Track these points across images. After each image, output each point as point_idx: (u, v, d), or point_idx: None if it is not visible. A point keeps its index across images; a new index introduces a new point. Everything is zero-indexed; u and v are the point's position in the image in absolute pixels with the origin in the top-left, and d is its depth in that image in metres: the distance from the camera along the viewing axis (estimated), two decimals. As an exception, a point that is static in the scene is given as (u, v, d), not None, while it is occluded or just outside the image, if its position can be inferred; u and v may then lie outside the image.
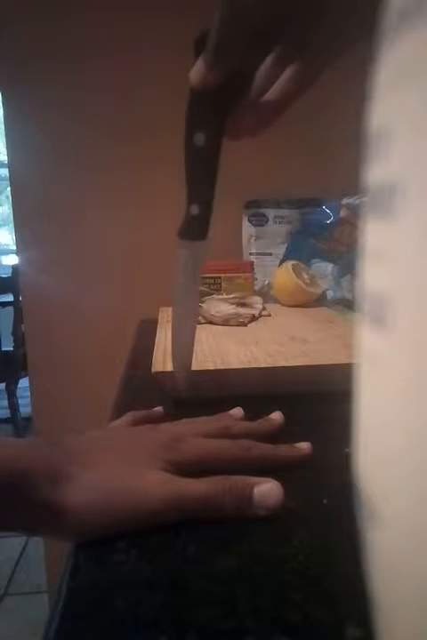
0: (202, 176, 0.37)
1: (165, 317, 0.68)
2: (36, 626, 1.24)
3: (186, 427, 0.34)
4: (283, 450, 0.32)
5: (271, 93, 0.33)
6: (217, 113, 0.35)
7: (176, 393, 0.42)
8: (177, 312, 0.42)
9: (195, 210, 0.38)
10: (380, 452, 0.11)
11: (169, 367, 0.44)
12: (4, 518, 0.26)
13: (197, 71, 0.32)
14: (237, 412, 0.38)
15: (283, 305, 0.77)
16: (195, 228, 0.38)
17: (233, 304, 0.67)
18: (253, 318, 0.65)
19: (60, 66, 0.93)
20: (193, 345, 0.42)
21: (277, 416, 0.37)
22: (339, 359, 0.44)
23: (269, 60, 0.33)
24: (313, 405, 0.40)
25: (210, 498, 0.26)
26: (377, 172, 0.10)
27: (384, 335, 0.10)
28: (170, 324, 0.63)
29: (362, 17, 0.28)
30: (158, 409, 0.39)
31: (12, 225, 1.02)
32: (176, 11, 0.90)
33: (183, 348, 0.42)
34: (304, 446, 0.33)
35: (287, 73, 0.33)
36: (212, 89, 0.33)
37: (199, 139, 0.35)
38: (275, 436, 0.35)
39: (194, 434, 0.32)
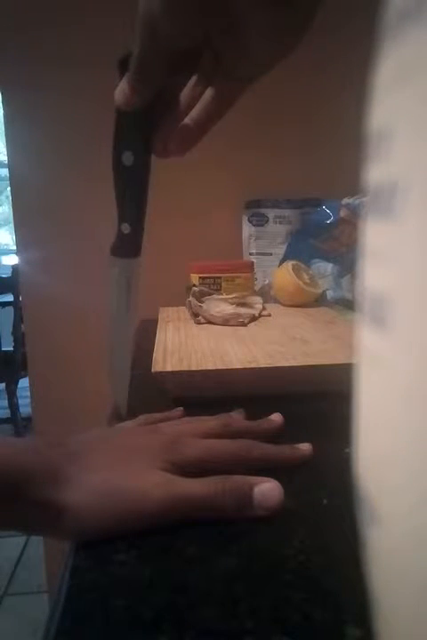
0: (132, 195, 0.37)
1: (165, 317, 0.68)
2: (36, 626, 1.25)
3: (186, 427, 0.34)
4: (284, 450, 0.32)
5: (194, 114, 0.34)
6: (143, 132, 0.35)
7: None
8: (112, 334, 0.41)
9: (126, 228, 0.38)
10: (380, 452, 0.11)
11: (169, 367, 0.44)
12: (4, 518, 0.26)
13: (121, 91, 0.33)
14: (238, 414, 0.38)
15: (283, 305, 0.77)
16: (127, 246, 0.38)
17: (233, 304, 0.67)
18: (254, 318, 0.65)
19: (61, 66, 0.93)
20: (129, 369, 0.42)
21: (277, 417, 0.37)
22: (339, 359, 0.44)
23: (189, 83, 0.34)
24: (313, 405, 0.40)
25: (210, 498, 0.26)
26: (377, 172, 0.10)
27: (384, 335, 0.10)
28: (169, 324, 0.63)
29: (278, 43, 0.29)
30: (179, 410, 0.39)
31: (12, 225, 1.02)
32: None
33: (119, 372, 0.41)
34: (305, 447, 0.33)
35: (208, 93, 0.33)
36: (136, 108, 0.33)
37: (128, 158, 0.35)
38: (276, 437, 0.35)
39: (194, 434, 0.32)
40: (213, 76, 0.33)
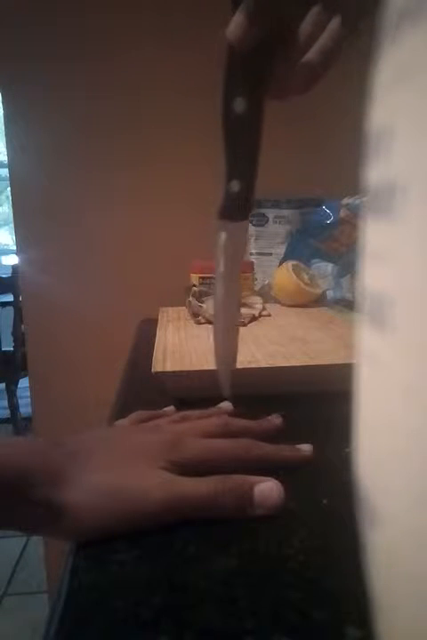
0: (244, 147, 0.33)
1: (165, 317, 0.68)
2: (36, 626, 1.24)
3: (186, 426, 0.34)
4: (284, 451, 0.32)
5: (319, 45, 0.31)
6: (259, 73, 0.31)
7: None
8: (218, 303, 0.37)
9: (235, 186, 0.33)
10: (380, 452, 0.11)
11: (169, 367, 0.44)
12: (4, 518, 0.26)
13: (237, 25, 0.29)
14: (227, 406, 0.39)
15: (283, 305, 0.77)
16: (235, 207, 0.34)
17: (233, 304, 0.67)
18: (254, 318, 0.65)
19: (60, 65, 0.93)
20: (237, 339, 0.38)
21: (275, 417, 0.37)
22: (339, 359, 0.44)
23: (312, 11, 0.30)
24: (313, 405, 0.40)
25: (210, 497, 0.26)
26: (377, 171, 0.10)
27: (384, 335, 0.10)
28: (169, 324, 0.63)
29: None
30: (170, 408, 0.39)
31: (12, 225, 1.02)
32: (175, 11, 0.90)
33: (226, 343, 0.38)
34: (306, 448, 0.33)
35: (334, 22, 0.30)
36: (253, 44, 0.29)
37: (240, 104, 0.31)
38: (276, 437, 0.35)
39: (194, 433, 0.32)
40: (341, 2, 0.30)
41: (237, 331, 0.39)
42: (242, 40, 0.29)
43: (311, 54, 0.31)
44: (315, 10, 0.31)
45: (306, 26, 0.31)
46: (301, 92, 0.32)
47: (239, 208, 0.35)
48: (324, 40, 0.31)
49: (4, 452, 0.26)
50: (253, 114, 0.32)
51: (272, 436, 0.34)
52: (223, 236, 0.36)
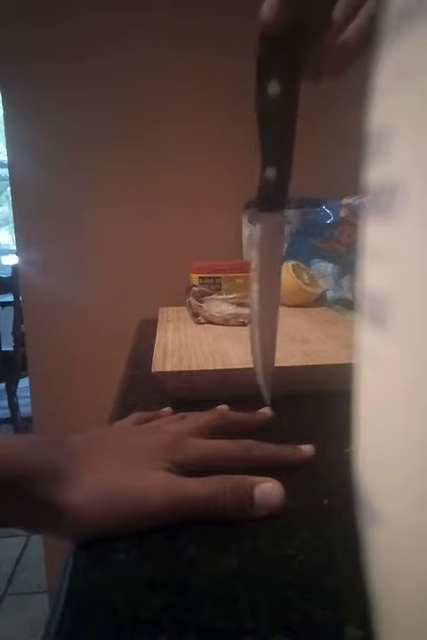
0: (279, 131, 0.32)
1: (165, 317, 0.68)
2: (36, 626, 1.25)
3: (186, 425, 0.34)
4: (285, 451, 0.32)
5: (355, 26, 0.31)
6: (293, 55, 0.30)
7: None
8: (256, 302, 0.36)
9: (271, 173, 0.32)
10: (380, 452, 0.11)
11: (169, 367, 0.44)
12: (5, 517, 0.26)
13: (269, 7, 0.28)
14: (224, 408, 0.39)
15: (283, 305, 0.77)
16: (271, 196, 0.33)
17: (233, 304, 0.67)
18: (254, 318, 0.65)
19: (60, 65, 0.93)
20: (275, 340, 0.37)
21: (265, 410, 0.38)
22: (339, 359, 0.44)
23: None
24: (313, 405, 0.40)
25: (211, 498, 0.26)
26: (377, 171, 0.10)
27: (384, 335, 0.10)
28: (169, 324, 0.63)
29: None
30: (167, 410, 0.39)
31: (12, 225, 1.02)
32: (175, 9, 0.90)
33: (266, 345, 0.37)
34: (307, 449, 0.33)
35: (368, 5, 0.30)
36: (286, 26, 0.29)
37: (274, 87, 0.30)
38: (276, 437, 0.35)
39: (195, 430, 0.32)
40: None
41: (276, 329, 0.37)
42: (275, 22, 0.28)
43: (347, 35, 0.31)
44: None
45: (338, 9, 0.30)
46: (336, 73, 0.32)
47: (275, 196, 0.33)
48: (359, 20, 0.30)
49: (4, 452, 0.26)
50: (289, 96, 0.31)
51: (272, 437, 0.34)
52: (258, 228, 0.34)
